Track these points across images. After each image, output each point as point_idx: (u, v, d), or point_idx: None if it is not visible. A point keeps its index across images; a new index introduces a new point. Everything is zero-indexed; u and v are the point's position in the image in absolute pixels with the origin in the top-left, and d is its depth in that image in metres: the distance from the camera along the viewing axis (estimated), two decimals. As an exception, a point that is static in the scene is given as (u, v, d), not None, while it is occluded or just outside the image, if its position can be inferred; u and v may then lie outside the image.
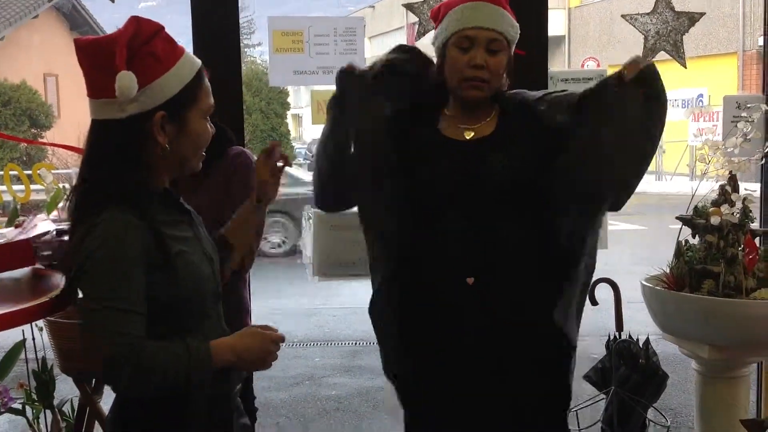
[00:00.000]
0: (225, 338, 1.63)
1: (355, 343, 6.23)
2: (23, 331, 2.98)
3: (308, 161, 20.43)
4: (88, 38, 1.61)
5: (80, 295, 1.60)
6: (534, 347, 2.08)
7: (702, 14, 3.00)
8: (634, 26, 3.01)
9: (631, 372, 2.67)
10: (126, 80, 1.52)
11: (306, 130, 31.38)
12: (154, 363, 1.48)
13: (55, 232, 2.20)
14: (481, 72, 2.03)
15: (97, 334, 1.47)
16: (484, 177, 2.06)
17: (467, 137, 2.10)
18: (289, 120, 21.02)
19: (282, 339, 1.70)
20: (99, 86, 1.57)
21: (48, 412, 2.96)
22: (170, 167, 1.65)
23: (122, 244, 1.49)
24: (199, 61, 1.66)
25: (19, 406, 3.03)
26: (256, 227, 1.95)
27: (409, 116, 2.16)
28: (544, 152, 2.05)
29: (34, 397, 2.97)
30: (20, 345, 3.12)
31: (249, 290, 2.46)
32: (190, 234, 1.67)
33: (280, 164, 1.88)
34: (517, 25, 2.09)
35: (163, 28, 1.62)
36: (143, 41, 1.57)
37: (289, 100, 19.86)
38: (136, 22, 1.58)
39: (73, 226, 1.59)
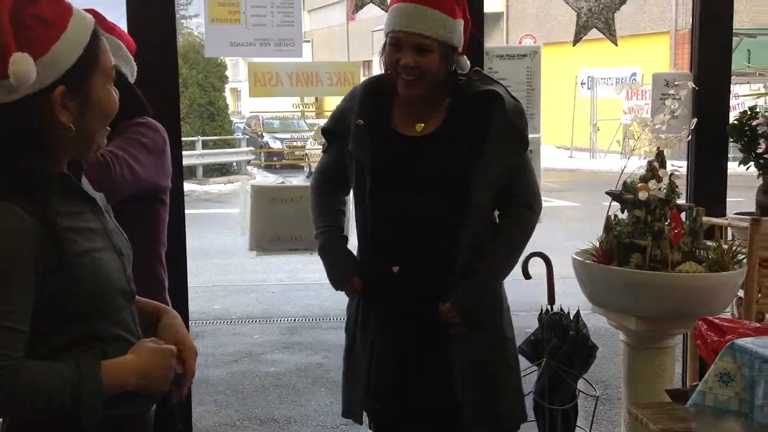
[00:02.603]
0: (123, 358, 1.42)
1: (294, 320, 6.23)
2: None
3: (246, 136, 20.23)
4: None
5: None
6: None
7: (634, -7, 3.06)
8: (567, 3, 3.05)
9: (561, 344, 2.74)
10: (23, 64, 1.29)
11: (244, 104, 31.00)
12: (35, 386, 1.29)
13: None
14: (411, 72, 2.13)
15: None
16: (421, 171, 2.20)
17: (419, 130, 2.23)
18: (228, 94, 20.73)
19: (174, 353, 1.48)
20: None
21: None
22: (73, 148, 1.42)
23: (10, 248, 1.29)
24: (90, 17, 1.42)
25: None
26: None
27: (362, 116, 2.27)
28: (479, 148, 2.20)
29: None
30: None
31: (164, 265, 2.26)
32: (97, 225, 1.45)
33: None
34: (456, 21, 2.15)
35: None
36: (25, 2, 1.32)
37: (228, 73, 19.58)
38: None
39: None
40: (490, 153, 2.18)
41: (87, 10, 1.78)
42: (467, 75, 2.27)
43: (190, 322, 2.29)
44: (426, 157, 2.20)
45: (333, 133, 2.34)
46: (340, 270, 2.30)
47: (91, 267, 1.38)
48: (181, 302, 2.65)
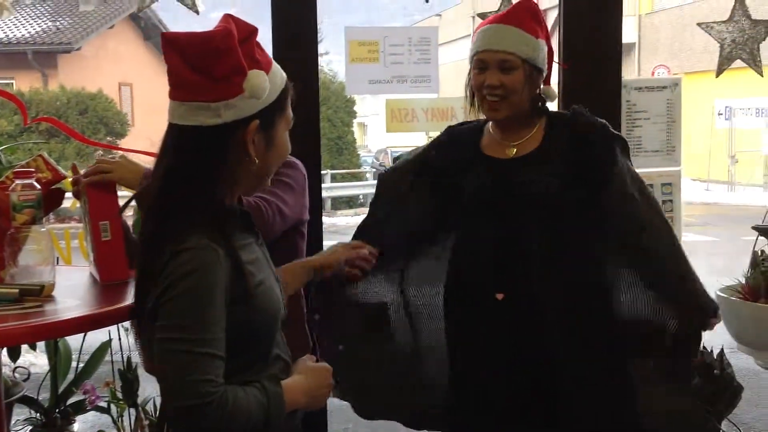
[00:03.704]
0: (295, 379, 1.55)
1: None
2: (109, 331, 3.11)
3: (374, 169, 20.58)
4: (183, 33, 1.43)
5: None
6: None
7: (780, 22, 2.96)
8: (710, 35, 2.99)
9: (705, 382, 2.65)
10: (259, 78, 1.41)
11: (371, 138, 31.54)
12: (238, 412, 1.38)
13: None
14: (496, 91, 2.11)
15: (180, 378, 1.35)
16: (516, 192, 2.12)
17: (510, 155, 2.17)
18: (355, 128, 21.19)
19: (331, 370, 1.65)
20: (192, 87, 1.41)
21: (132, 410, 3.07)
22: (249, 183, 1.53)
23: (207, 281, 1.37)
24: (284, 73, 1.55)
25: (105, 404, 3.15)
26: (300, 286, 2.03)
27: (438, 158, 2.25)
28: (581, 180, 2.10)
29: (119, 395, 3.08)
30: (106, 345, 3.25)
31: (302, 294, 2.33)
32: (260, 255, 1.55)
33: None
34: (539, 41, 2.12)
35: (256, 30, 1.48)
36: (241, 41, 1.43)
37: (355, 108, 20.05)
38: (232, 20, 1.44)
39: (154, 243, 1.44)
40: (616, 199, 2.09)
41: None
42: (570, 110, 2.22)
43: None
44: (520, 179, 2.13)
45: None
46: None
47: (264, 296, 1.49)
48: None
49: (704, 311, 2.06)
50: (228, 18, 1.45)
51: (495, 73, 2.10)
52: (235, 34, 1.41)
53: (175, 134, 1.45)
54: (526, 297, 2.08)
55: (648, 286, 2.10)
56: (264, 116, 1.47)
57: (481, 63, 2.14)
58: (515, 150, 2.17)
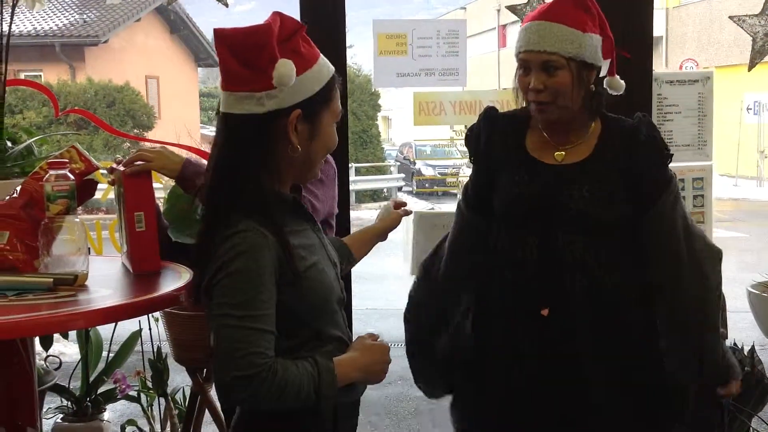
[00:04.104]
0: (349, 355, 1.62)
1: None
2: (139, 321, 3.14)
3: (398, 162, 20.58)
4: (231, 29, 1.55)
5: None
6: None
7: (813, 15, 2.93)
8: (742, 27, 2.96)
9: (735, 380, 2.62)
10: (286, 67, 1.50)
11: (395, 131, 31.53)
12: (288, 383, 1.48)
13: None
14: (541, 95, 1.99)
15: (232, 350, 1.45)
16: (562, 205, 2.01)
17: (558, 159, 2.05)
18: (379, 122, 21.19)
19: (389, 348, 1.70)
20: (239, 78, 1.52)
21: (161, 399, 3.11)
22: (296, 171, 1.62)
23: (257, 262, 1.48)
24: (332, 67, 1.63)
25: (135, 393, 3.19)
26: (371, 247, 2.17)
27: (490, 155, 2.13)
28: (631, 195, 2.00)
29: (149, 385, 3.12)
30: (137, 335, 3.29)
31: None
32: (316, 241, 1.65)
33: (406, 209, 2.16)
34: (586, 35, 1.98)
35: (303, 26, 1.58)
36: (286, 37, 1.54)
37: (380, 102, 20.04)
38: (279, 17, 1.54)
39: (209, 228, 1.54)
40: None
41: None
42: (635, 118, 2.07)
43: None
44: (568, 191, 2.00)
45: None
46: None
47: (316, 279, 1.58)
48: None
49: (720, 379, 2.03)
50: (275, 15, 1.55)
51: (539, 74, 1.98)
52: (274, 30, 1.51)
53: (224, 122, 1.56)
54: (567, 315, 2.00)
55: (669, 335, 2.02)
56: (307, 106, 1.55)
57: (524, 63, 2.02)
58: (564, 154, 2.05)
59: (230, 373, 1.45)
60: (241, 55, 1.51)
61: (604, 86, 2.05)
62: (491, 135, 2.13)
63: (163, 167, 2.07)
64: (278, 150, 1.55)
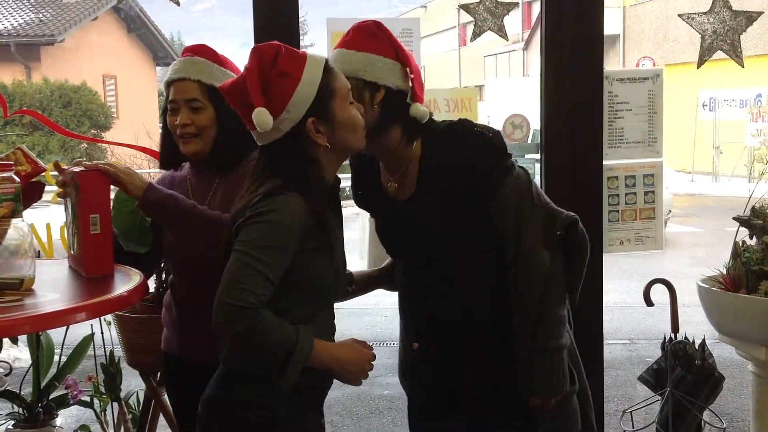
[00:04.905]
0: (329, 343, 1.77)
1: (408, 343, 6.24)
2: (92, 325, 3.10)
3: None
4: (230, 82, 1.77)
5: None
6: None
7: (760, 13, 2.97)
8: (691, 26, 2.99)
9: (686, 373, 2.67)
10: (262, 116, 1.69)
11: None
12: (269, 331, 1.63)
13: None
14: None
15: (234, 281, 1.62)
16: (407, 238, 2.05)
17: (392, 190, 2.04)
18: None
19: (374, 358, 1.81)
20: (248, 119, 1.72)
21: (115, 404, 3.07)
22: (336, 158, 1.80)
23: (286, 220, 1.65)
24: (321, 57, 1.76)
25: (88, 399, 3.15)
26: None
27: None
28: (461, 214, 1.97)
29: (102, 389, 3.08)
30: (89, 339, 3.25)
31: None
32: (340, 234, 1.83)
33: None
34: (377, 58, 1.90)
35: (281, 46, 1.73)
36: (270, 66, 1.71)
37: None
38: (258, 52, 1.72)
39: (250, 192, 1.73)
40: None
41: (198, 46, 2.00)
42: (450, 128, 1.99)
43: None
44: (410, 223, 2.02)
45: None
46: None
47: (335, 257, 1.77)
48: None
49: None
50: (253, 52, 1.72)
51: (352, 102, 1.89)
52: (254, 70, 1.70)
53: (264, 152, 1.78)
54: (434, 346, 2.08)
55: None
56: (315, 109, 1.72)
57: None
58: (396, 185, 2.03)
59: (224, 299, 1.62)
60: (243, 102, 1.73)
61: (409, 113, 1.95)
62: (359, 169, 2.16)
63: (131, 183, 1.98)
64: (312, 153, 1.74)
